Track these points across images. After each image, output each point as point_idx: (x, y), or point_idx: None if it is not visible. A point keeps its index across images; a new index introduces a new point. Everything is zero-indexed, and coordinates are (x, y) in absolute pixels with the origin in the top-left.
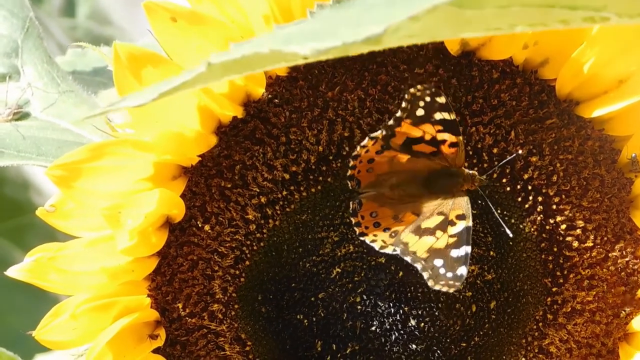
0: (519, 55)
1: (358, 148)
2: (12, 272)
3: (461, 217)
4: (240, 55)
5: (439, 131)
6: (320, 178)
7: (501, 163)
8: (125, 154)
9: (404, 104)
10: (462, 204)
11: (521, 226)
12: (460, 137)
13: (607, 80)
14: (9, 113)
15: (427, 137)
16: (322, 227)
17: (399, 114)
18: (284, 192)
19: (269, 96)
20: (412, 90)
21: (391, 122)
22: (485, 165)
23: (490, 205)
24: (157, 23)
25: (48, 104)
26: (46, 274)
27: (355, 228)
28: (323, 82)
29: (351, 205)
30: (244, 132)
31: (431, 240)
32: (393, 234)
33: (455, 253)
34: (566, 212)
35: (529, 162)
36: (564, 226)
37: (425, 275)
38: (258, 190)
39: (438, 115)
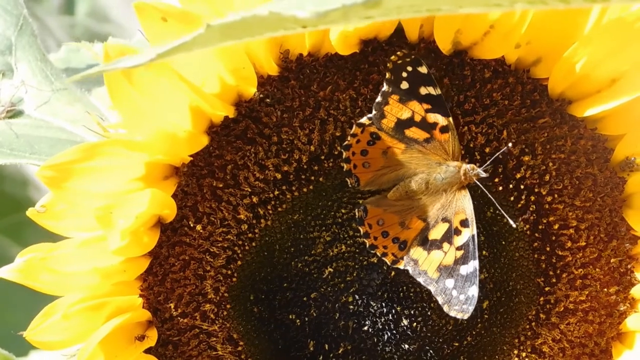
0: (511, 54)
1: (349, 138)
2: (4, 272)
3: (465, 223)
4: (239, 18)
5: (427, 110)
6: (312, 178)
7: (496, 155)
8: (117, 154)
9: (387, 75)
10: (464, 204)
11: (514, 226)
12: (450, 119)
13: (599, 79)
14: (3, 111)
15: (417, 118)
16: (314, 227)
17: (384, 87)
18: (276, 192)
19: (261, 96)
20: (392, 57)
21: (379, 98)
22: (477, 165)
23: (491, 196)
24: (148, 23)
25: (42, 102)
26: (37, 275)
27: (365, 240)
28: (315, 81)
29: (357, 214)
30: (236, 131)
31: (439, 255)
32: (402, 246)
33: (464, 270)
34: (559, 212)
35: (521, 161)
36: (556, 225)
37: (440, 299)
38: (250, 190)
39: (423, 90)
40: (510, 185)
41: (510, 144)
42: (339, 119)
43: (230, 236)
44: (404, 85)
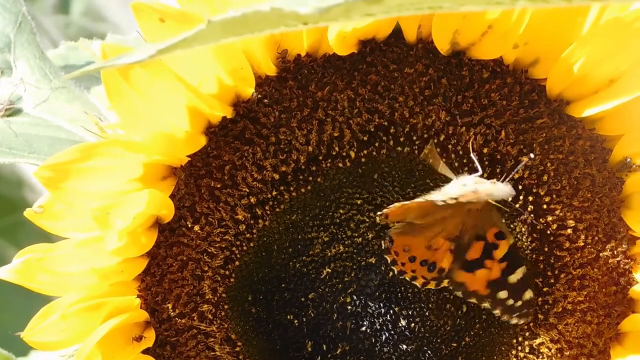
0: (509, 54)
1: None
2: (2, 273)
3: (499, 235)
4: (240, 14)
5: None
6: (310, 178)
7: (516, 169)
8: (115, 154)
9: None
10: (493, 218)
11: (512, 226)
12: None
13: (597, 79)
14: (1, 109)
15: None
16: (312, 228)
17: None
18: (274, 192)
19: (259, 96)
20: None
21: None
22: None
23: (518, 208)
24: (145, 23)
25: (40, 100)
26: (35, 275)
27: (393, 267)
28: (313, 82)
29: (383, 245)
30: (234, 132)
31: (485, 273)
32: (431, 267)
33: (513, 278)
34: (557, 212)
35: (519, 161)
36: (554, 226)
37: (498, 312)
38: (248, 191)
39: None
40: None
41: (532, 155)
42: (337, 119)
43: (228, 237)
44: None
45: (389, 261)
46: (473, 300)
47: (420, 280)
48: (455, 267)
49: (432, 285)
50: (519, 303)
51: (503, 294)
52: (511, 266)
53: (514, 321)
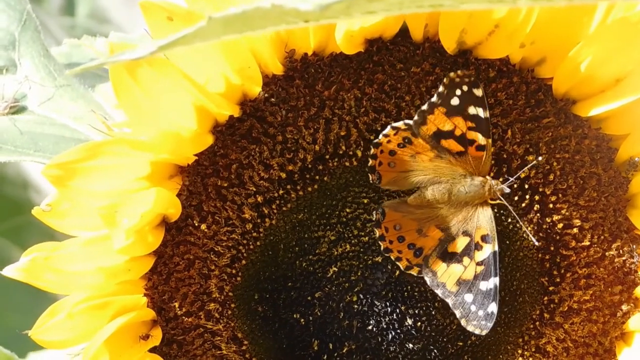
0: (515, 54)
1: (380, 136)
2: (9, 271)
3: (486, 238)
4: (241, 11)
5: (470, 128)
6: (317, 177)
7: (525, 168)
8: (122, 153)
9: (440, 89)
10: (486, 220)
11: (518, 225)
12: (489, 140)
13: (604, 79)
14: (6, 106)
15: (457, 133)
16: (319, 226)
17: (434, 99)
18: (281, 191)
19: (266, 95)
20: (451, 74)
21: (425, 107)
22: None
23: (516, 215)
24: (153, 22)
25: (45, 98)
26: (42, 274)
27: (380, 243)
28: (319, 80)
29: (374, 216)
30: (241, 131)
31: (459, 269)
32: (418, 253)
33: (484, 285)
34: (563, 211)
35: (525, 160)
36: (560, 225)
37: (458, 313)
38: (254, 189)
39: (472, 110)
40: (515, 185)
41: (540, 158)
42: (343, 118)
43: (234, 235)
44: (455, 101)
45: (377, 236)
46: (438, 292)
47: (404, 263)
48: (433, 254)
49: (414, 271)
50: (481, 312)
51: (469, 297)
52: (487, 273)
53: (470, 328)
